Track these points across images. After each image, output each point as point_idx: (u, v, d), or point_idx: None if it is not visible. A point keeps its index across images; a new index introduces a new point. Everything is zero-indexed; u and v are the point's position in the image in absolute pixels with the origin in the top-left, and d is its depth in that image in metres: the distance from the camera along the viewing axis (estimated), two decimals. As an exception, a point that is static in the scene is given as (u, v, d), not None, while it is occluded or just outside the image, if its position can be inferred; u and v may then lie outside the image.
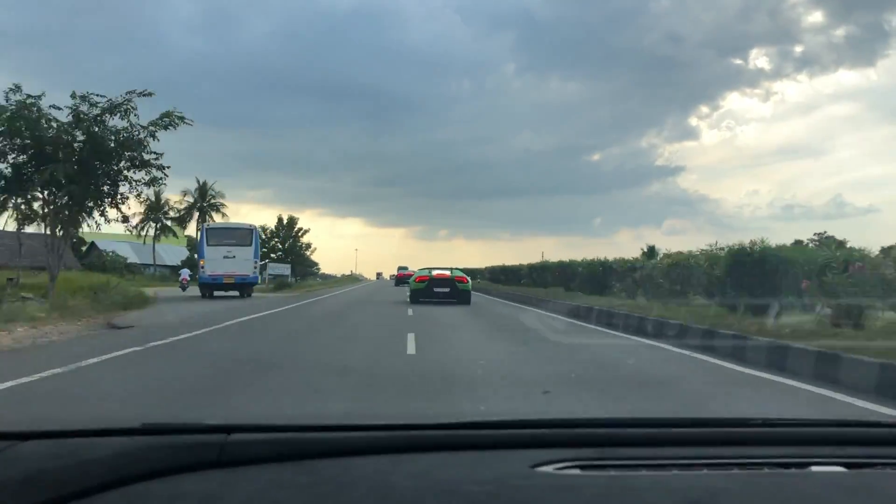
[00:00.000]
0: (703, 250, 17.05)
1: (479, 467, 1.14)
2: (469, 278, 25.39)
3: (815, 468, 1.20)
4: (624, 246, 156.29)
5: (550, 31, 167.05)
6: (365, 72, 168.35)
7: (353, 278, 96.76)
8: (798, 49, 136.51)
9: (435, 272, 25.23)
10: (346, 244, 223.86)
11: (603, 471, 1.17)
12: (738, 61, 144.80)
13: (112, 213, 17.66)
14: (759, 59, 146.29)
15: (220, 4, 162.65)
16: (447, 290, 24.29)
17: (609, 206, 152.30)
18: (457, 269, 26.24)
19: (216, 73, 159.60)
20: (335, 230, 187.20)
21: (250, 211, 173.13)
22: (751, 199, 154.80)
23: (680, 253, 19.01)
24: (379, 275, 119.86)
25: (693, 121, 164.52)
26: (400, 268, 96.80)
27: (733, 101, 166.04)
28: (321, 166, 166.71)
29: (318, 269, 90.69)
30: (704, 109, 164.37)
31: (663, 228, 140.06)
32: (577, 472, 1.14)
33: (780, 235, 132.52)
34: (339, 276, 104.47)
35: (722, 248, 15.37)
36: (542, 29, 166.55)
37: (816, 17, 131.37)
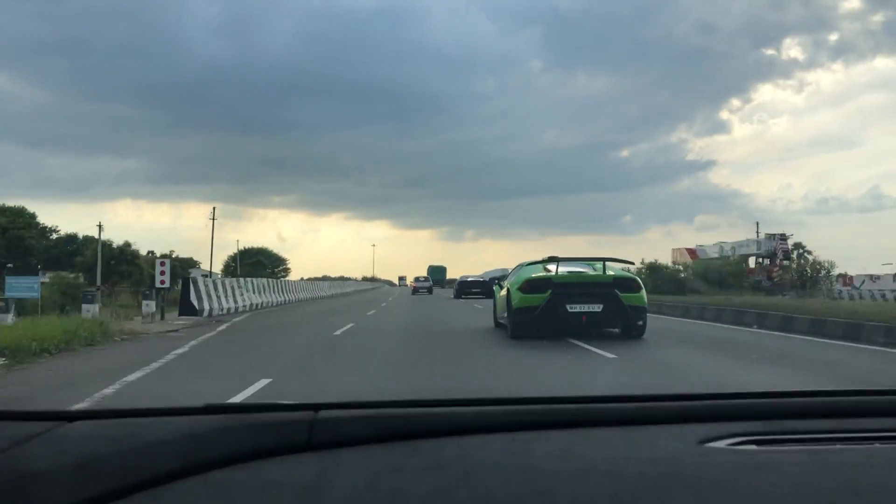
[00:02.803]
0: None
1: (635, 444, 0.97)
2: (642, 283, 11.30)
3: None
4: (655, 243, 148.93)
5: (577, 25, 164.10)
6: (389, 72, 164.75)
7: (347, 285, 67.78)
8: (833, 37, 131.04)
9: (564, 266, 11.33)
10: (371, 247, 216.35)
11: (788, 445, 0.99)
12: (771, 52, 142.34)
13: None
14: (793, 48, 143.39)
15: (241, 7, 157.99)
16: (598, 307, 10.40)
17: (638, 203, 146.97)
18: (605, 262, 11.77)
19: (238, 78, 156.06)
20: (362, 233, 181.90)
21: (277, 217, 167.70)
22: (784, 193, 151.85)
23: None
24: (402, 280, 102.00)
25: (724, 114, 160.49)
26: (433, 268, 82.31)
27: (766, 92, 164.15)
28: (346, 169, 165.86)
29: (284, 268, 79.64)
30: (736, 102, 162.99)
31: (695, 224, 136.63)
32: (755, 447, 0.96)
33: (815, 230, 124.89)
34: (348, 280, 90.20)
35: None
36: (569, 23, 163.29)
37: (853, 2, 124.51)
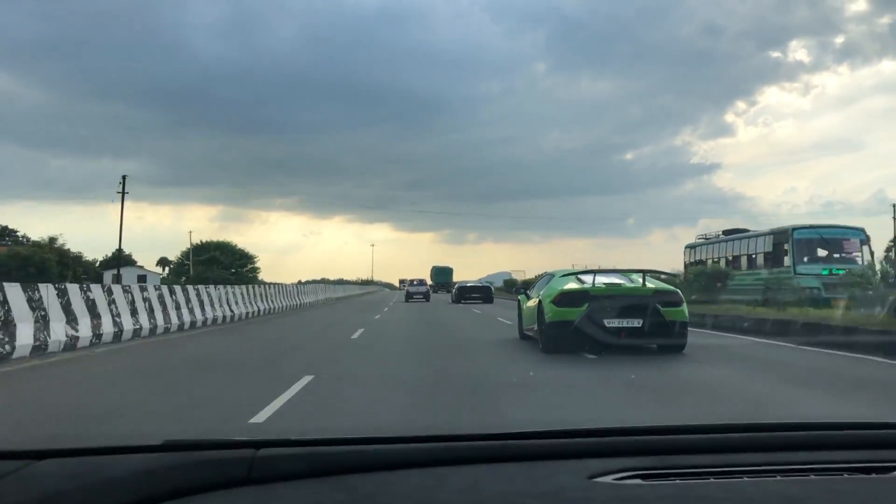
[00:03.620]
0: None
1: (533, 479, 1.07)
2: (682, 296, 10.62)
3: None
4: (658, 247, 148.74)
5: (581, 28, 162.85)
6: (392, 74, 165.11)
7: (340, 289, 57.31)
8: (839, 40, 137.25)
9: (601, 278, 10.68)
10: (375, 249, 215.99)
11: (667, 479, 1.10)
12: (777, 54, 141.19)
13: None
14: (799, 51, 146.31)
15: (244, 8, 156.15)
16: (638, 322, 9.76)
17: (642, 206, 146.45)
18: (646, 273, 11.04)
19: (241, 79, 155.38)
20: (363, 236, 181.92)
21: (279, 219, 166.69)
22: (788, 197, 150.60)
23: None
24: (403, 283, 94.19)
25: (729, 117, 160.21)
26: (438, 269, 72.87)
27: (771, 95, 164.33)
28: (349, 171, 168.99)
29: (252, 267, 67.86)
30: (741, 105, 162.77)
31: (698, 228, 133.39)
32: (638, 482, 1.07)
33: None
34: (346, 283, 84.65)
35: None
36: (573, 25, 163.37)
37: (860, 5, 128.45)
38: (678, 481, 1.09)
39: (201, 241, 68.84)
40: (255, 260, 70.27)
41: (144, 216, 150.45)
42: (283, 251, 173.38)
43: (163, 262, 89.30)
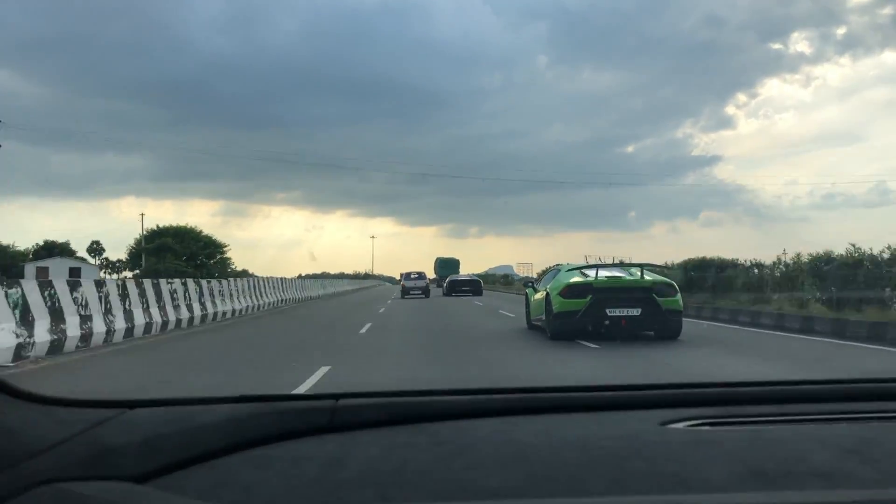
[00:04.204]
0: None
1: (606, 426, 1.10)
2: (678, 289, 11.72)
3: None
4: (659, 239, 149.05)
5: (583, 20, 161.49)
6: (393, 68, 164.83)
7: (333, 284, 50.95)
8: (841, 31, 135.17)
9: (603, 272, 11.78)
10: (377, 242, 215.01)
11: (736, 426, 1.13)
12: (778, 46, 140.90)
13: None
14: (800, 42, 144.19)
15: (246, 4, 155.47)
16: (637, 311, 10.84)
17: (643, 200, 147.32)
18: (644, 267, 12.15)
19: (243, 74, 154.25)
20: (366, 230, 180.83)
21: (281, 213, 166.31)
22: (790, 189, 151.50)
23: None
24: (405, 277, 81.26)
25: (730, 109, 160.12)
26: (443, 261, 63.87)
27: (772, 87, 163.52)
28: (350, 166, 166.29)
29: (222, 257, 60.60)
30: (742, 97, 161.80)
31: (699, 220, 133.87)
32: (708, 428, 1.11)
33: (822, 225, 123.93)
34: (345, 276, 79.35)
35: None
36: (575, 18, 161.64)
37: None
38: (748, 427, 1.13)
39: (158, 227, 59.99)
40: (225, 249, 61.44)
41: (147, 212, 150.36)
42: (284, 246, 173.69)
43: (95, 250, 79.90)
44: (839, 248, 16.12)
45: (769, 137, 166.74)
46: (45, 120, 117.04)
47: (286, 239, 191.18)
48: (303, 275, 57.35)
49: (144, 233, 61.01)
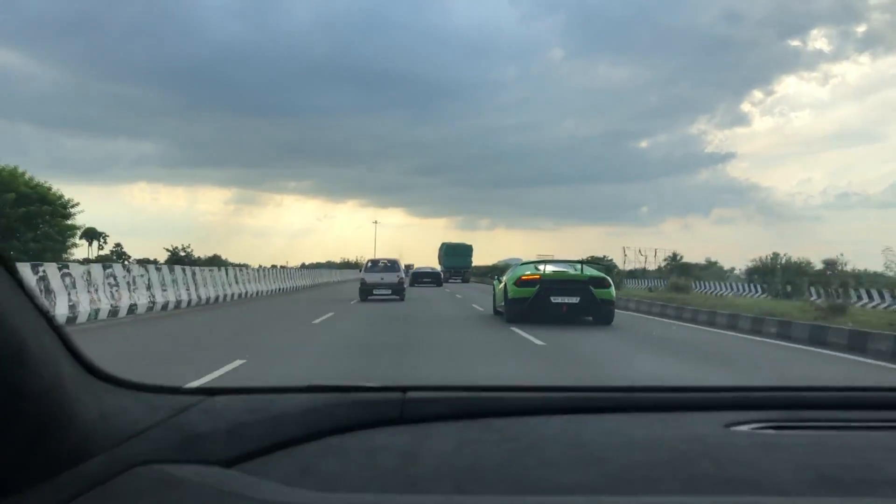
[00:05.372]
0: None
1: (671, 426, 1.11)
2: (611, 281, 14.22)
3: None
4: (670, 235, 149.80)
5: (601, 13, 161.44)
6: (406, 58, 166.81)
7: (313, 274, 44.76)
8: (861, 29, 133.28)
9: (551, 266, 14.29)
10: (386, 233, 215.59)
11: (802, 430, 1.12)
12: (797, 42, 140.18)
13: None
14: (819, 39, 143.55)
15: None
16: (576, 300, 13.26)
17: (655, 195, 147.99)
18: (584, 263, 14.94)
19: (255, 61, 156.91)
20: (377, 220, 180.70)
21: (293, 202, 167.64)
22: (803, 187, 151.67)
23: None
24: (409, 269, 59.80)
25: (746, 106, 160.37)
26: (449, 246, 52.26)
27: (789, 85, 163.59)
28: (362, 156, 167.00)
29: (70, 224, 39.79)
30: (758, 94, 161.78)
31: (711, 217, 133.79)
32: (772, 431, 1.11)
33: (835, 225, 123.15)
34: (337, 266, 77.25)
35: None
36: (592, 11, 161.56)
37: None
38: (814, 432, 1.11)
39: None
40: (72, 210, 39.84)
41: (159, 197, 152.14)
42: (294, 234, 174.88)
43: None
44: (852, 249, 16.10)
45: (784, 135, 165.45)
46: (58, 103, 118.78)
47: (297, 228, 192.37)
48: (305, 263, 57.10)
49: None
